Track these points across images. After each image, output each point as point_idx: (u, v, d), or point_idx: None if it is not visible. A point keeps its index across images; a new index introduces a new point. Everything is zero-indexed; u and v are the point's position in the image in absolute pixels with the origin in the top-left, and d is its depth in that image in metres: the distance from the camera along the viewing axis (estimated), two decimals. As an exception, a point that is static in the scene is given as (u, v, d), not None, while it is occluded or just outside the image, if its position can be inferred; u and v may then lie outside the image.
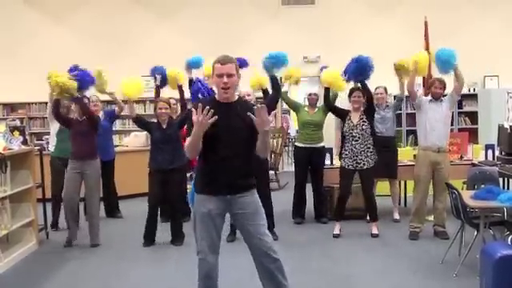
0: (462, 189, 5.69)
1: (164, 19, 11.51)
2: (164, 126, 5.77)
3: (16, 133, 5.70)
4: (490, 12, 11.40)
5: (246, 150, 3.31)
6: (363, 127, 5.90)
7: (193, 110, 3.18)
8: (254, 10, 11.49)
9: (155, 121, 5.91)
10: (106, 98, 7.04)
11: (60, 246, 5.95)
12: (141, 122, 5.98)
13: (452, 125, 10.75)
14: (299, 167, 6.77)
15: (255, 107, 3.14)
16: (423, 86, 8.07)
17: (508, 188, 6.66)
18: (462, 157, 7.05)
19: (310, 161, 6.67)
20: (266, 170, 6.06)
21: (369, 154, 5.92)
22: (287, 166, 11.74)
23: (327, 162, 6.90)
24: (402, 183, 7.54)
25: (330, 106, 6.29)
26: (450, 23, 10.98)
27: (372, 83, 6.70)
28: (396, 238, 5.92)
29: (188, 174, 7.86)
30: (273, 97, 5.83)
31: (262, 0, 11.52)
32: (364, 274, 4.79)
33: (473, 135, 9.73)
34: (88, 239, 5.98)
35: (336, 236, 6.03)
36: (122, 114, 7.10)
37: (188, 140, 3.23)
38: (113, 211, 7.42)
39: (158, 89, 6.31)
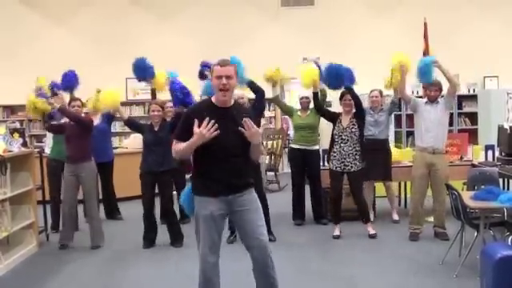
0: (462, 189, 5.68)
1: (164, 21, 11.52)
2: (156, 129, 5.79)
3: (16, 135, 5.70)
4: (490, 13, 11.40)
5: (243, 152, 3.38)
6: (352, 130, 5.91)
7: (184, 113, 3.33)
8: (253, 11, 11.51)
9: (148, 123, 5.94)
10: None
11: (60, 248, 5.96)
12: (133, 125, 6.05)
13: (452, 126, 10.79)
14: (295, 169, 6.79)
15: (243, 120, 3.20)
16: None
17: (508, 189, 6.66)
18: (461, 157, 7.06)
19: (305, 163, 6.67)
20: (259, 172, 6.06)
21: (357, 157, 5.94)
22: (287, 167, 11.70)
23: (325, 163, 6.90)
24: (402, 184, 7.54)
25: (319, 109, 6.33)
26: (450, 24, 10.99)
27: (369, 85, 6.73)
28: (396, 239, 5.92)
29: (187, 176, 7.87)
30: (258, 99, 5.86)
31: (262, 1, 11.53)
32: (364, 275, 4.79)
33: (473, 136, 9.73)
34: (87, 241, 5.97)
35: (336, 237, 6.04)
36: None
37: (181, 145, 3.33)
38: (112, 213, 7.42)
39: (154, 91, 6.33)
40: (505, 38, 11.34)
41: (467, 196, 4.66)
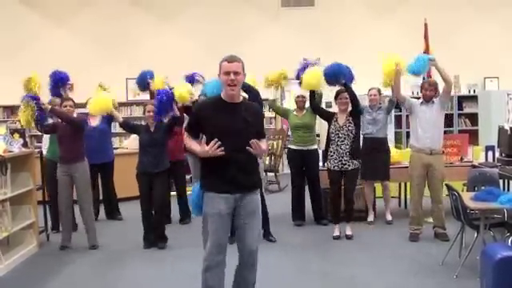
0: (463, 190, 5.69)
1: (164, 21, 11.53)
2: (152, 129, 5.80)
3: (16, 135, 5.71)
4: (491, 13, 11.41)
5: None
6: (349, 128, 5.92)
7: (194, 107, 3.41)
8: (254, 11, 11.51)
9: (144, 123, 5.95)
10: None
11: (60, 248, 5.96)
12: (128, 126, 6.10)
13: (452, 126, 10.81)
14: (294, 169, 6.79)
15: (251, 142, 3.30)
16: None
17: (508, 189, 6.65)
18: (462, 158, 7.05)
19: (304, 163, 6.67)
20: (258, 173, 6.07)
21: (356, 155, 5.95)
22: (287, 167, 11.71)
23: (321, 164, 6.89)
24: (403, 185, 7.54)
25: (316, 108, 6.33)
26: (450, 25, 11.00)
27: (367, 85, 6.73)
28: (396, 240, 5.92)
29: (188, 177, 7.87)
30: (251, 99, 5.88)
31: (262, 2, 11.54)
32: (365, 276, 4.79)
33: (473, 137, 9.73)
34: (87, 241, 5.98)
35: (336, 238, 6.03)
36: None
37: (191, 143, 3.51)
38: (113, 213, 7.42)
39: (152, 92, 6.34)
40: (505, 38, 11.35)
41: (467, 197, 4.66)
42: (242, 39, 11.13)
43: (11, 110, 11.45)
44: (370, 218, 6.79)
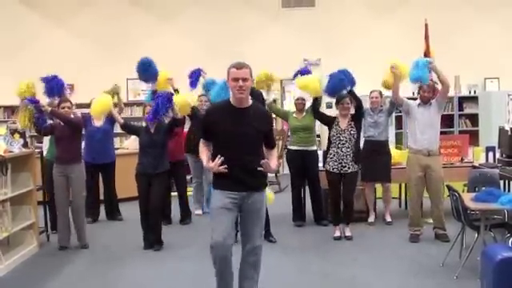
0: (463, 191, 5.69)
1: (164, 22, 11.52)
2: (152, 131, 5.79)
3: (16, 135, 5.70)
4: (490, 14, 11.40)
5: (259, 152, 3.67)
6: (351, 132, 5.92)
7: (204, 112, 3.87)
8: (254, 12, 11.51)
9: (144, 124, 5.95)
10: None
11: (60, 249, 5.96)
12: (128, 128, 6.11)
13: (452, 127, 10.80)
14: (294, 170, 6.78)
15: (262, 162, 3.53)
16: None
17: (509, 190, 6.65)
18: (462, 159, 7.05)
19: (304, 164, 6.67)
20: None
21: (357, 158, 5.96)
22: (286, 168, 11.70)
23: (320, 165, 6.88)
24: (403, 185, 7.54)
25: (317, 113, 6.28)
26: (450, 25, 10.98)
27: (370, 87, 6.73)
28: (397, 241, 5.91)
29: (188, 177, 7.87)
30: (255, 98, 5.94)
31: (263, 2, 11.53)
32: (365, 276, 4.78)
33: (473, 137, 9.72)
34: (87, 241, 5.99)
35: (337, 238, 6.03)
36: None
37: (203, 152, 3.72)
38: (113, 213, 7.42)
39: (155, 93, 6.33)
40: (505, 39, 11.34)
41: (468, 197, 4.66)
42: (243, 39, 11.12)
43: (11, 110, 11.45)
44: (371, 218, 6.79)
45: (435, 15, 9.73)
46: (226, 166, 3.48)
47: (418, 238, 5.85)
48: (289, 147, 6.90)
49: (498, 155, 6.93)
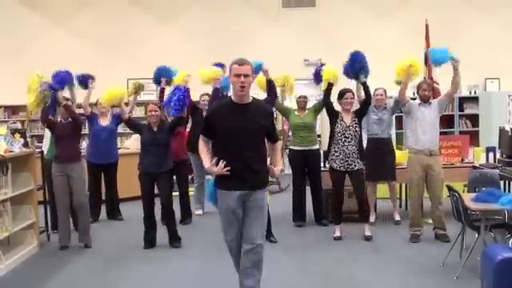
0: (463, 191, 5.69)
1: (164, 22, 11.53)
2: (155, 129, 5.78)
3: (17, 135, 5.71)
4: (491, 14, 11.41)
5: (260, 148, 3.75)
6: (356, 129, 5.92)
7: (207, 111, 3.86)
8: (254, 12, 11.51)
9: (146, 123, 5.94)
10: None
11: (61, 248, 5.96)
12: (132, 124, 6.06)
13: (453, 127, 10.80)
14: (296, 170, 6.77)
15: (269, 166, 3.80)
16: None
17: (509, 191, 6.65)
18: (463, 159, 7.05)
19: (306, 163, 6.67)
20: None
21: (361, 155, 5.96)
22: (288, 168, 11.70)
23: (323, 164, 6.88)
24: (403, 186, 7.54)
25: (328, 101, 6.20)
26: (451, 26, 10.98)
27: (372, 85, 6.72)
28: (397, 241, 5.91)
29: (190, 177, 7.88)
30: (268, 102, 6.09)
31: (263, 2, 11.54)
32: (365, 277, 4.79)
33: (474, 138, 9.73)
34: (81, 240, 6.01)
35: (337, 238, 6.03)
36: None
37: (202, 151, 3.77)
38: (113, 213, 7.42)
39: (162, 91, 6.31)
40: (506, 39, 11.35)
41: (468, 198, 4.66)
42: (243, 40, 11.12)
43: (12, 109, 11.47)
44: (372, 218, 6.78)
45: (435, 16, 9.72)
46: (228, 168, 3.57)
47: (418, 239, 5.85)
48: (291, 147, 6.89)
49: (498, 155, 6.94)
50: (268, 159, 4.04)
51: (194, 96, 6.76)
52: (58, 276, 5.05)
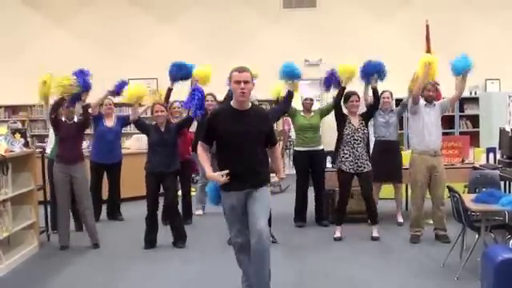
0: (464, 192, 5.68)
1: (165, 22, 11.53)
2: (162, 130, 5.78)
3: (17, 135, 5.71)
4: (491, 15, 11.40)
5: (260, 151, 3.89)
6: (364, 131, 5.95)
7: (207, 117, 4.00)
8: (255, 12, 11.51)
9: (153, 123, 5.93)
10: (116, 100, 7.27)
11: (61, 248, 5.96)
12: (140, 124, 6.02)
13: (453, 128, 10.80)
14: (300, 171, 6.75)
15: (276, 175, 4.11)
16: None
17: (509, 191, 6.65)
18: (463, 160, 7.05)
19: (310, 164, 6.67)
20: None
21: (368, 157, 5.98)
22: (288, 168, 11.70)
23: (328, 165, 6.88)
24: (404, 186, 7.52)
25: (338, 103, 6.14)
26: (451, 27, 10.98)
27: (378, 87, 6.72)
28: (397, 242, 5.91)
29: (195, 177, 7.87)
30: (280, 109, 6.29)
31: (264, 3, 11.54)
32: (365, 277, 4.78)
33: (474, 139, 9.71)
34: (88, 241, 6.00)
35: (337, 239, 6.03)
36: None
37: (202, 157, 3.92)
38: (114, 213, 7.42)
39: (169, 92, 6.29)
40: (506, 40, 11.34)
41: (468, 199, 4.66)
42: (243, 40, 11.13)
43: (12, 109, 11.47)
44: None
45: (436, 17, 9.74)
46: (228, 177, 3.72)
47: (418, 239, 5.85)
48: (295, 148, 6.86)
49: (498, 156, 6.93)
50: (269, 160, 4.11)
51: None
52: (58, 276, 5.05)
